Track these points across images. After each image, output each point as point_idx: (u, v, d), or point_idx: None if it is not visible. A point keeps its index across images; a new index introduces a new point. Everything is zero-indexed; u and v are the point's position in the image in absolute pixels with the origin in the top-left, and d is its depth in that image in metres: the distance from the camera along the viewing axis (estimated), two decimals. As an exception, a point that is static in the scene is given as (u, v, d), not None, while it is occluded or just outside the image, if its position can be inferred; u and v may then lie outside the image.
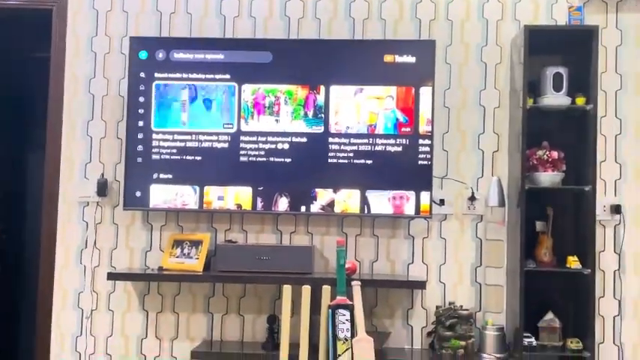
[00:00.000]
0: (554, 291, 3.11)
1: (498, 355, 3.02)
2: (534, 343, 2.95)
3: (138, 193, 3.20)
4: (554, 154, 3.02)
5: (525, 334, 2.93)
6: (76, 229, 3.34)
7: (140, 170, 3.20)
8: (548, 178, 3.01)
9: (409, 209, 3.12)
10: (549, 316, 3.00)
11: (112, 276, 3.12)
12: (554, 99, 3.03)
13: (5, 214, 4.23)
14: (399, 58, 3.15)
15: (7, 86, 4.24)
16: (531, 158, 3.02)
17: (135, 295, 3.31)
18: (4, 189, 4.27)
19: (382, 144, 3.14)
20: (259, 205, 3.17)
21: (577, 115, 3.07)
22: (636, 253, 3.17)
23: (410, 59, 3.15)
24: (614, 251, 3.17)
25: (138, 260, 3.32)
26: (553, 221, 3.04)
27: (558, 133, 3.11)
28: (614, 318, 3.16)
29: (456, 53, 3.28)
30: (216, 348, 3.16)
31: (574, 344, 2.94)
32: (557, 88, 3.02)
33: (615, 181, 3.20)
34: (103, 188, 3.30)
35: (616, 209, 3.15)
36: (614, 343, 3.15)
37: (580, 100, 3.00)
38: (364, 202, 3.14)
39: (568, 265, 2.96)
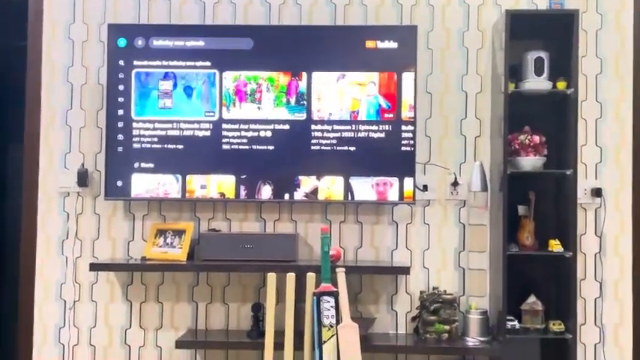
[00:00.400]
0: (537, 274, 3.12)
1: (482, 339, 3.02)
2: (517, 326, 2.97)
3: (119, 183, 3.16)
4: (536, 138, 3.02)
5: (508, 318, 2.94)
6: (57, 220, 3.30)
7: (121, 159, 3.16)
8: (529, 162, 3.01)
9: (393, 195, 3.10)
10: (532, 299, 3.01)
11: (95, 267, 3.08)
12: (536, 83, 3.02)
13: None
14: (380, 44, 3.12)
15: None
16: (513, 143, 3.01)
17: (118, 286, 3.29)
18: None
19: (365, 130, 3.11)
20: (242, 193, 3.14)
21: (558, 100, 3.07)
22: (617, 236, 3.18)
23: (392, 45, 3.12)
24: (595, 234, 3.19)
25: (120, 250, 3.29)
26: (535, 205, 3.04)
27: (540, 118, 3.11)
28: (595, 300, 3.18)
29: (437, 38, 3.26)
30: (201, 337, 3.16)
31: (556, 326, 2.96)
32: (539, 72, 3.01)
33: (596, 165, 3.20)
34: (83, 178, 3.26)
35: (597, 192, 3.16)
36: (595, 324, 3.17)
37: (561, 85, 3.00)
38: (348, 188, 3.12)
39: (550, 249, 2.97)
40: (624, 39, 3.20)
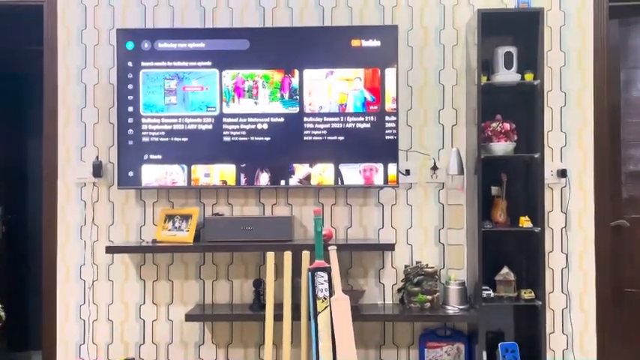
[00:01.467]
0: (509, 248, 3.11)
1: (461, 307, 3.02)
2: (492, 294, 2.97)
3: (131, 173, 3.12)
4: (507, 125, 3.00)
5: (484, 287, 2.94)
6: (75, 208, 3.27)
7: (132, 152, 3.12)
8: (501, 147, 2.99)
9: (378, 180, 3.08)
10: (505, 270, 3.00)
11: (111, 249, 3.06)
12: (506, 76, 2.99)
13: (10, 197, 4.17)
14: (365, 43, 3.08)
15: (6, 78, 4.15)
16: (486, 130, 2.99)
17: (132, 266, 3.26)
18: (7, 174, 4.21)
19: (352, 121, 3.08)
20: (242, 180, 3.11)
21: (526, 90, 3.04)
22: (580, 212, 3.17)
23: (375, 43, 3.08)
24: (561, 211, 3.17)
25: (133, 234, 3.26)
26: (507, 186, 3.03)
27: (510, 107, 3.09)
28: (562, 270, 3.17)
29: (416, 37, 3.22)
30: (208, 311, 3.14)
31: (527, 294, 2.95)
32: (508, 65, 2.99)
33: (561, 149, 3.18)
34: (98, 170, 3.22)
35: (562, 173, 3.14)
36: (562, 292, 3.17)
37: (529, 77, 2.97)
38: (338, 174, 3.09)
39: (520, 225, 2.96)
40: (585, 34, 3.17)
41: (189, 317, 3.04)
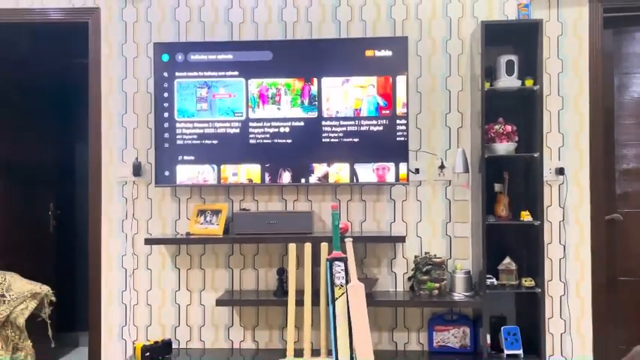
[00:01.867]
0: (511, 240, 3.11)
1: (466, 294, 3.04)
2: (495, 282, 2.97)
3: (167, 173, 3.20)
4: (509, 127, 3.01)
5: (488, 276, 2.95)
6: (117, 204, 3.35)
7: (167, 153, 3.20)
8: (503, 147, 3.00)
9: (390, 178, 3.12)
10: (507, 260, 3.02)
11: (149, 241, 3.13)
12: (508, 82, 3.01)
13: (59, 195, 4.26)
14: (378, 53, 3.13)
15: (57, 89, 4.24)
16: (489, 132, 3.01)
17: (168, 256, 3.34)
18: (57, 174, 4.30)
19: (366, 125, 3.13)
20: (267, 178, 3.18)
21: (526, 95, 3.05)
22: (577, 207, 3.18)
23: (387, 53, 3.13)
24: (559, 206, 3.18)
25: (169, 227, 3.34)
26: (508, 183, 3.04)
27: (511, 110, 3.09)
28: (560, 260, 3.18)
29: (425, 46, 3.26)
30: (237, 296, 3.19)
31: (528, 282, 2.97)
32: (510, 72, 3.00)
33: (559, 148, 3.19)
34: (137, 170, 3.31)
35: (560, 171, 3.16)
36: (560, 280, 3.18)
37: (529, 82, 2.98)
38: (353, 173, 3.14)
39: (521, 219, 2.96)
40: (581, 43, 3.18)
41: (219, 302, 3.09)
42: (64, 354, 4.19)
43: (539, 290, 2.92)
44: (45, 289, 2.77)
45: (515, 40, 3.10)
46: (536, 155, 2.94)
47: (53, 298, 2.79)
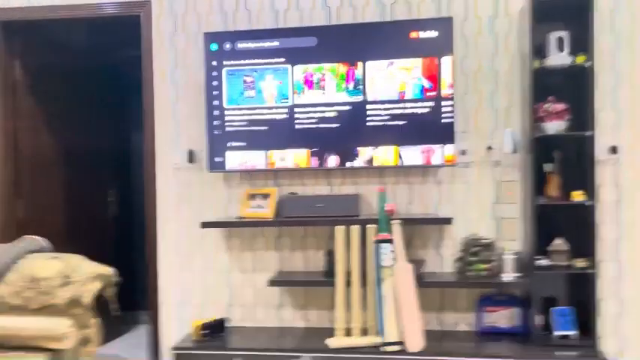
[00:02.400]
0: (561, 220, 3.04)
1: (515, 275, 3.01)
2: (545, 263, 2.91)
3: (218, 159, 3.26)
4: (559, 106, 2.93)
5: (537, 257, 2.90)
6: (173, 190, 3.43)
7: (218, 140, 3.25)
8: (553, 126, 2.92)
9: (436, 160, 3.10)
10: (558, 241, 2.95)
11: (204, 224, 3.19)
12: (558, 59, 2.91)
13: (118, 182, 4.42)
14: (422, 34, 3.09)
15: (111, 80, 4.38)
16: (539, 111, 2.94)
17: (221, 239, 3.41)
18: (115, 163, 4.46)
19: (411, 107, 3.11)
20: (313, 163, 3.20)
21: (577, 72, 2.94)
22: (630, 187, 3.07)
23: (432, 34, 3.08)
24: (613, 185, 3.08)
25: (222, 211, 3.40)
26: (559, 163, 2.97)
27: (562, 89, 3.00)
28: (613, 240, 3.09)
29: (471, 26, 3.19)
30: (287, 277, 3.24)
31: (580, 263, 2.89)
32: (560, 49, 2.91)
33: (612, 126, 3.08)
34: (191, 156, 3.38)
35: (613, 150, 3.06)
36: (614, 260, 3.09)
37: (580, 59, 2.88)
38: (398, 156, 3.13)
39: (573, 199, 2.89)
40: (634, 16, 3.04)
41: (271, 283, 3.12)
42: (127, 331, 4.39)
43: (592, 271, 2.85)
44: (109, 270, 2.89)
45: (565, 16, 2.99)
46: (588, 134, 2.86)
47: (117, 279, 2.89)
